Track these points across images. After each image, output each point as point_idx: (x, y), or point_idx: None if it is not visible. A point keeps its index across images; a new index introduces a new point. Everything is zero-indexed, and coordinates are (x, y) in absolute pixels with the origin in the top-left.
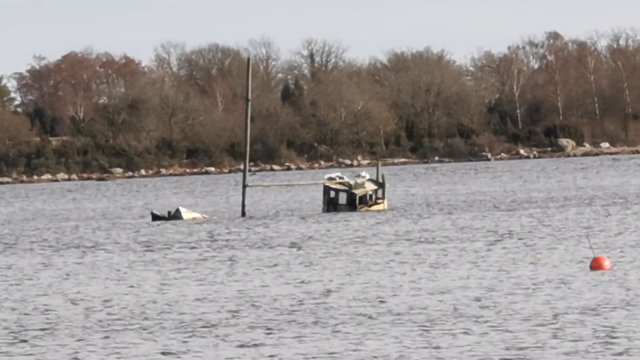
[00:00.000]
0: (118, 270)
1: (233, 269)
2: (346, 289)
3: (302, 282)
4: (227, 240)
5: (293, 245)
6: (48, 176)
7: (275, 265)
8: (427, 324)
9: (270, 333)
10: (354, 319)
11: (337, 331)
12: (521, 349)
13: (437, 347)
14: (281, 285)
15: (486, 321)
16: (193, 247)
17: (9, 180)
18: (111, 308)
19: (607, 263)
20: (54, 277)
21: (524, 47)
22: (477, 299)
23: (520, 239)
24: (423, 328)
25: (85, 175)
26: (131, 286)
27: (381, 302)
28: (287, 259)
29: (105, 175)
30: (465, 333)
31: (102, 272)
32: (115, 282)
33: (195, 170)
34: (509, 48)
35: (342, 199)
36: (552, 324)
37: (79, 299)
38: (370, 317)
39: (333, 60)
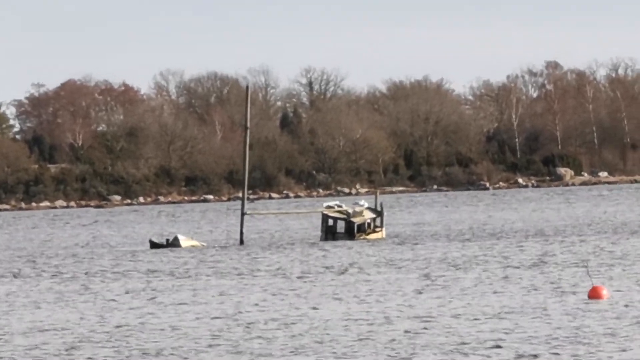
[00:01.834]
0: (98, 298)
1: (231, 297)
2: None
3: (297, 310)
4: (224, 267)
5: (289, 273)
6: (46, 203)
7: (275, 294)
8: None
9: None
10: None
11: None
12: None
13: None
14: (274, 312)
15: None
16: (188, 275)
17: (7, 207)
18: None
19: (605, 292)
20: (22, 305)
21: (522, 76)
22: (492, 330)
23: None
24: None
25: (83, 202)
26: (100, 314)
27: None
28: (282, 287)
29: (103, 202)
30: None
31: (81, 300)
32: (91, 309)
33: (193, 198)
34: (508, 77)
35: (341, 227)
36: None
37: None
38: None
39: (332, 88)
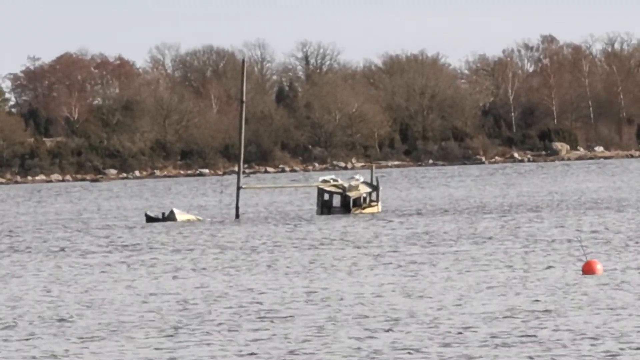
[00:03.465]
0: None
1: (225, 271)
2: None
3: (286, 284)
4: (220, 241)
5: (283, 247)
6: (42, 177)
7: (269, 267)
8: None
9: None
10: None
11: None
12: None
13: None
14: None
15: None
16: (188, 249)
17: (3, 180)
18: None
19: (599, 267)
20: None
21: (518, 51)
22: (471, 305)
23: (508, 241)
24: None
25: (79, 176)
26: (86, 290)
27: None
28: (279, 261)
29: (99, 176)
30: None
31: (69, 274)
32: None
33: (189, 171)
34: (503, 51)
35: (336, 201)
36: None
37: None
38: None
39: (328, 62)
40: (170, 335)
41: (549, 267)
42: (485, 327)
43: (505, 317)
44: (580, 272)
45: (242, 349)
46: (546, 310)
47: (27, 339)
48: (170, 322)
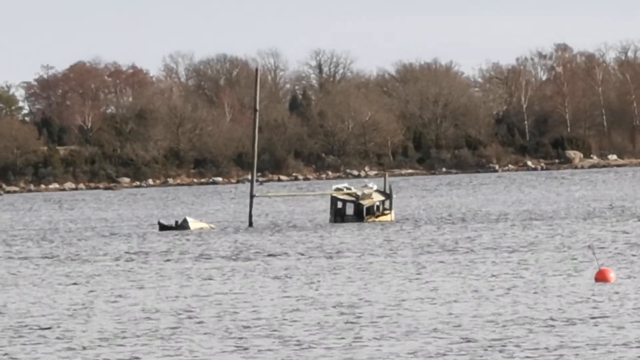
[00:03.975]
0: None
1: (237, 279)
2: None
3: (299, 294)
4: (233, 250)
5: (300, 255)
6: (55, 185)
7: (285, 276)
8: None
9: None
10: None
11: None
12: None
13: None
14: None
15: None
16: (200, 257)
17: (16, 189)
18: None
19: (612, 275)
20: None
21: (532, 59)
22: (482, 313)
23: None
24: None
25: (92, 184)
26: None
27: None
28: (292, 269)
29: (112, 184)
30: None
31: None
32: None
33: (202, 180)
34: (517, 60)
35: (350, 209)
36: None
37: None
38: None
39: (341, 71)
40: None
41: (562, 275)
42: (494, 334)
43: (516, 324)
44: (594, 280)
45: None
46: (558, 319)
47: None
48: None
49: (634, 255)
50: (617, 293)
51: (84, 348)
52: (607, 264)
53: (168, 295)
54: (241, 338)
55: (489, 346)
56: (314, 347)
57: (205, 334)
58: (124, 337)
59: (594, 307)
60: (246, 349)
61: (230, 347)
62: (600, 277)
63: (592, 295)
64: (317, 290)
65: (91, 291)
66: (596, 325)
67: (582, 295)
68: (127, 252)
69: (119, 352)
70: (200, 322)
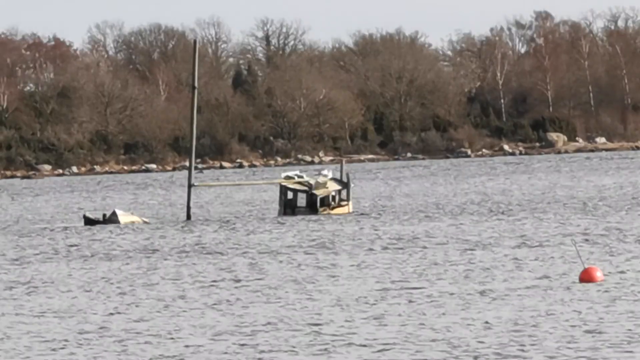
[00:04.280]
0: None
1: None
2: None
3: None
4: (166, 247)
5: (241, 253)
6: None
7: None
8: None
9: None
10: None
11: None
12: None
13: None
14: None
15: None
16: (128, 257)
17: None
18: None
19: (599, 274)
20: None
21: (509, 29)
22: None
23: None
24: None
25: (8, 172)
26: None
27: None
28: (233, 268)
29: (31, 172)
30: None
31: None
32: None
33: (134, 167)
34: (491, 30)
35: (301, 200)
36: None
37: None
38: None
39: (291, 43)
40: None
41: (545, 276)
42: (473, 342)
43: (492, 330)
44: (578, 280)
45: None
46: (540, 320)
47: None
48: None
49: (620, 251)
50: (603, 293)
51: None
52: (592, 262)
53: (73, 306)
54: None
55: (467, 352)
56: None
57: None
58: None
59: (578, 310)
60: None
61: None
62: (586, 276)
63: (577, 297)
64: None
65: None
66: (580, 330)
67: (565, 297)
68: (42, 252)
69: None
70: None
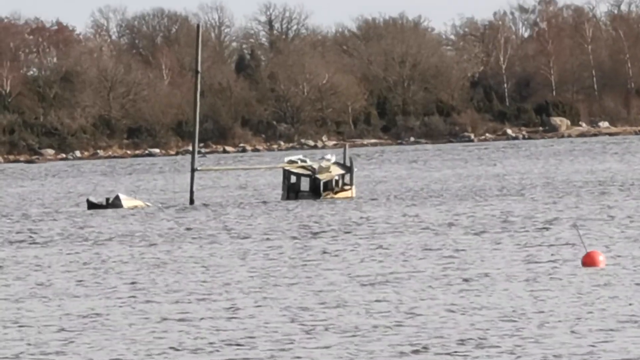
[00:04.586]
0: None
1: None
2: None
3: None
4: (170, 231)
5: (245, 237)
6: None
7: (218, 263)
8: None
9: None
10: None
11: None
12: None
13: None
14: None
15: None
16: (129, 241)
17: None
18: None
19: (601, 259)
20: None
21: (512, 13)
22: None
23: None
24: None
25: (11, 157)
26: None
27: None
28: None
29: (34, 157)
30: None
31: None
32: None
33: (137, 152)
34: (494, 14)
35: (305, 185)
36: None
37: None
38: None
39: (295, 27)
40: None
41: (548, 261)
42: (472, 327)
43: (495, 315)
44: (580, 264)
45: None
46: (544, 305)
47: None
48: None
49: (623, 235)
50: (606, 278)
51: None
52: (595, 246)
53: (75, 293)
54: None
55: (466, 339)
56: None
57: (108, 338)
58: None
59: (581, 295)
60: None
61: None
62: (588, 261)
63: (580, 282)
64: (260, 290)
65: None
66: (583, 315)
67: (568, 282)
68: (46, 235)
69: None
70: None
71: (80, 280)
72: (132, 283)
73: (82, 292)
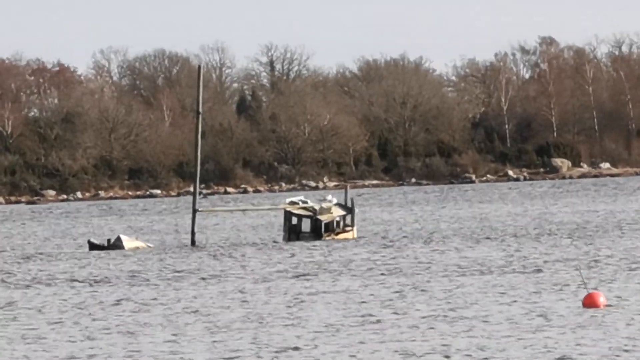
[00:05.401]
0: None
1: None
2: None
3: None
4: (172, 272)
5: (249, 279)
6: None
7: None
8: None
9: None
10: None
11: None
12: None
13: None
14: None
15: None
16: (133, 283)
17: None
18: None
19: (602, 300)
20: None
21: (513, 54)
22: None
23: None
24: None
25: (13, 198)
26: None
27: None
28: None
29: (36, 198)
30: None
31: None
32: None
33: (138, 192)
34: (496, 55)
35: (306, 226)
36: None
37: None
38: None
39: (296, 68)
40: None
41: (548, 301)
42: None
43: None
44: (581, 305)
45: None
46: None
47: None
48: None
49: (624, 277)
50: (607, 319)
51: None
52: (596, 287)
53: (73, 336)
54: None
55: None
56: None
57: None
58: None
59: (583, 336)
60: None
61: None
62: (589, 301)
63: (580, 323)
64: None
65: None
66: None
67: (569, 322)
68: (49, 276)
69: None
70: None
71: (66, 321)
72: (117, 325)
73: (71, 333)
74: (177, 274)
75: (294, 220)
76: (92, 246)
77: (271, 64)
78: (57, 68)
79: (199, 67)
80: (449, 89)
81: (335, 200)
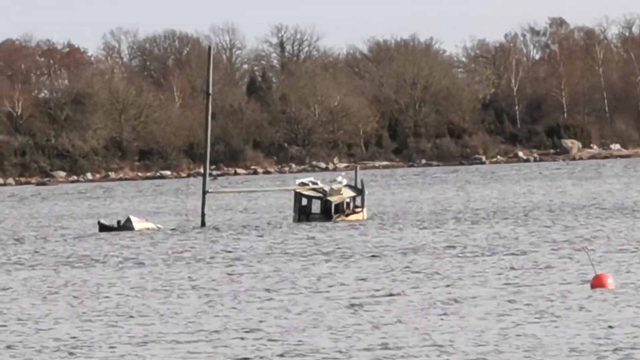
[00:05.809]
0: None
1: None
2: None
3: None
4: (180, 254)
5: (258, 260)
6: None
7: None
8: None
9: None
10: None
11: None
12: None
13: None
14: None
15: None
16: (139, 263)
17: None
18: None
19: (610, 281)
20: None
21: (523, 35)
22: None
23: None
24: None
25: (23, 179)
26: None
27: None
28: (246, 277)
29: (46, 179)
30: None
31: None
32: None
33: (148, 174)
34: (506, 36)
35: (316, 207)
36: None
37: None
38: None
39: (306, 49)
40: None
41: (556, 282)
42: (479, 349)
43: (504, 336)
44: (589, 286)
45: None
46: (552, 326)
47: None
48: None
49: (632, 258)
50: (615, 300)
51: None
52: (604, 268)
53: (84, 313)
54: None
55: (467, 357)
56: None
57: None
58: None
59: (591, 317)
60: None
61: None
62: (597, 283)
63: (588, 303)
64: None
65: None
66: (593, 339)
67: (577, 303)
68: (61, 256)
69: None
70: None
71: (68, 303)
72: (117, 306)
73: (69, 315)
74: (181, 255)
75: (304, 202)
76: (103, 227)
77: (281, 45)
78: (67, 49)
79: (209, 48)
80: (459, 70)
81: (345, 182)
